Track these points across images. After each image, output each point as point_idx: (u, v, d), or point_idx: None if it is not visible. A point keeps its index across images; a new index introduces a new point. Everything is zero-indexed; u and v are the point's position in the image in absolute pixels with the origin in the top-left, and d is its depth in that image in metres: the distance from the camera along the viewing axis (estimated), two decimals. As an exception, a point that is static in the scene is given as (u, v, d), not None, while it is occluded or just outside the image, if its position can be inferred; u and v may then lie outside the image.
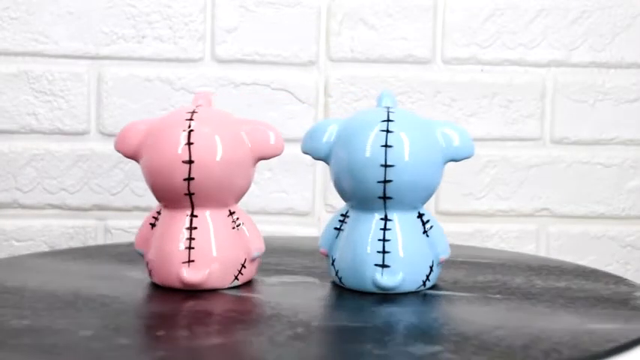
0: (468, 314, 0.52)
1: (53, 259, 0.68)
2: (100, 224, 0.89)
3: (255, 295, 0.56)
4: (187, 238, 0.56)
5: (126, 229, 0.89)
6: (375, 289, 0.56)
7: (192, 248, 0.56)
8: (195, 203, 0.56)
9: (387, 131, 0.56)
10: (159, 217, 0.58)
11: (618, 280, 0.62)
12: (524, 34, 0.91)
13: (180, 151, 0.55)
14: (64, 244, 0.89)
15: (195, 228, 0.56)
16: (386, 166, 0.55)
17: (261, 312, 0.52)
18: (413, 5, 0.90)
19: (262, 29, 0.90)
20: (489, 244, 0.91)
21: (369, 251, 0.56)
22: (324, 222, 0.91)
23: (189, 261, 0.56)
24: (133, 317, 0.51)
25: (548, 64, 0.92)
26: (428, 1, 0.90)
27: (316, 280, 0.61)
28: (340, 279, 0.58)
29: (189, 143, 0.55)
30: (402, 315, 0.51)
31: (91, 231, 0.89)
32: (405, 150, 0.56)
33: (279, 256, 0.69)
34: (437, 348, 0.44)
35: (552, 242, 0.92)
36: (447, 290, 0.58)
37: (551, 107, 0.92)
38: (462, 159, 0.59)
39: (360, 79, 0.90)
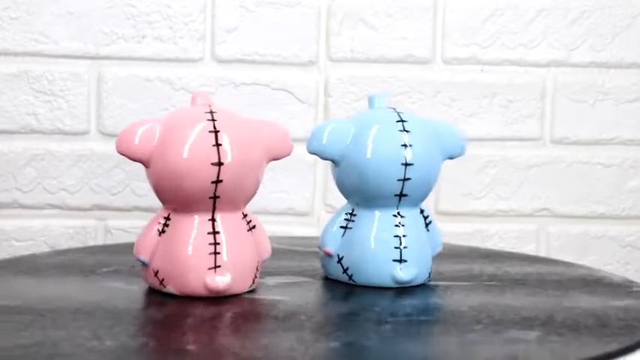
0: (490, 299, 0.55)
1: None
2: (100, 224, 0.89)
3: (270, 297, 0.56)
4: (211, 243, 0.54)
5: (126, 229, 0.89)
6: (392, 284, 0.58)
7: (218, 253, 0.54)
8: (217, 207, 0.54)
9: (405, 131, 0.58)
10: (168, 222, 0.56)
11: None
12: (524, 34, 0.91)
13: (208, 153, 0.53)
14: (64, 244, 0.89)
15: (218, 232, 0.54)
16: (406, 164, 0.58)
17: (282, 312, 0.52)
18: (413, 5, 0.90)
19: (262, 29, 0.90)
20: (489, 244, 0.91)
21: (386, 247, 0.58)
22: (324, 222, 0.91)
23: (216, 267, 0.54)
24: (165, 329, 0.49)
25: (548, 64, 0.92)
26: (428, 1, 0.90)
27: (313, 280, 0.61)
28: (351, 276, 0.59)
29: (217, 144, 0.53)
30: (444, 305, 0.55)
31: (91, 231, 0.89)
32: (421, 149, 0.58)
33: (280, 257, 0.69)
34: (530, 332, 0.47)
35: (552, 242, 0.92)
36: (441, 281, 0.62)
37: (551, 107, 0.92)
38: (457, 156, 0.62)
39: (360, 79, 0.90)
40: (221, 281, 0.53)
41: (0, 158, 0.88)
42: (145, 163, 0.55)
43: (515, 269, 0.67)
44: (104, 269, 0.64)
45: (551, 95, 0.92)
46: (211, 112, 0.54)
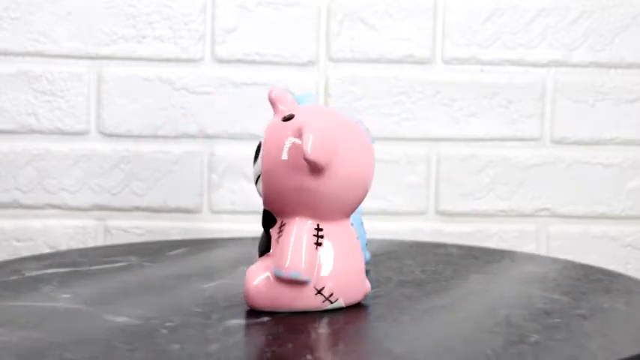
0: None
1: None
2: (100, 224, 0.89)
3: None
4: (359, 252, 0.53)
5: (126, 229, 0.89)
6: None
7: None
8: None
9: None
10: (321, 233, 0.50)
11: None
12: (524, 34, 0.91)
13: (371, 163, 0.52)
14: (64, 244, 0.89)
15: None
16: None
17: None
18: (413, 5, 0.90)
19: (262, 29, 0.90)
20: (489, 244, 0.91)
21: None
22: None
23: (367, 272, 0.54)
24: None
25: (548, 64, 0.92)
26: (428, 1, 0.90)
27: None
28: None
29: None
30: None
31: (91, 231, 0.89)
32: None
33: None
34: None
35: (552, 242, 0.92)
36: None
37: (551, 107, 0.92)
38: None
39: (360, 79, 0.90)
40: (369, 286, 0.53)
41: (0, 158, 0.88)
42: (323, 173, 0.50)
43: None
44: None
45: (551, 95, 0.92)
46: (357, 122, 0.53)
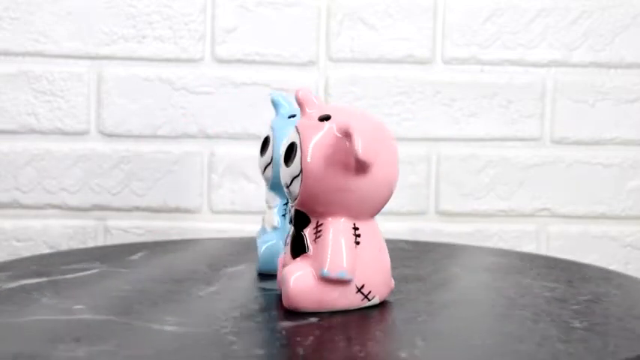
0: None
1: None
2: (99, 224, 0.89)
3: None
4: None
5: (126, 229, 0.89)
6: None
7: None
8: None
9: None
10: (358, 232, 0.51)
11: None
12: (524, 34, 0.91)
13: (397, 162, 0.53)
14: (64, 244, 0.89)
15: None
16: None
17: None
18: (413, 5, 0.90)
19: (262, 29, 0.90)
20: (489, 244, 0.91)
21: None
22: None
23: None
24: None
25: (548, 64, 0.92)
26: (428, 1, 0.90)
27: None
28: None
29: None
30: None
31: (91, 231, 0.89)
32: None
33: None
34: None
35: (552, 242, 0.92)
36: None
37: (551, 107, 0.92)
38: None
39: (360, 79, 0.90)
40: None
41: (0, 158, 0.88)
42: (367, 173, 0.50)
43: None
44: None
45: (551, 95, 0.92)
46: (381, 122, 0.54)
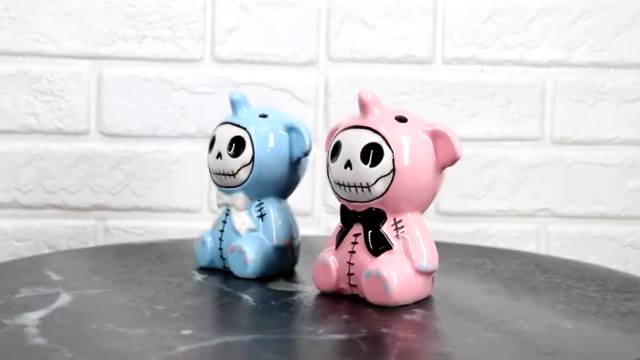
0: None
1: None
2: (99, 224, 0.89)
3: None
4: None
5: (126, 229, 0.89)
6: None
7: None
8: None
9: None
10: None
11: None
12: (524, 34, 0.91)
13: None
14: (64, 244, 0.89)
15: None
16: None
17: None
18: (413, 5, 0.90)
19: (262, 29, 0.90)
20: (489, 244, 0.91)
21: None
22: (324, 222, 0.92)
23: None
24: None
25: (548, 64, 0.92)
26: (428, 1, 0.90)
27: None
28: None
29: None
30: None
31: (91, 231, 0.89)
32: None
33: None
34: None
35: (552, 242, 0.93)
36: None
37: (551, 107, 0.92)
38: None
39: (360, 79, 0.90)
40: None
41: (0, 158, 0.88)
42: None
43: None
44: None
45: (551, 95, 0.92)
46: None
